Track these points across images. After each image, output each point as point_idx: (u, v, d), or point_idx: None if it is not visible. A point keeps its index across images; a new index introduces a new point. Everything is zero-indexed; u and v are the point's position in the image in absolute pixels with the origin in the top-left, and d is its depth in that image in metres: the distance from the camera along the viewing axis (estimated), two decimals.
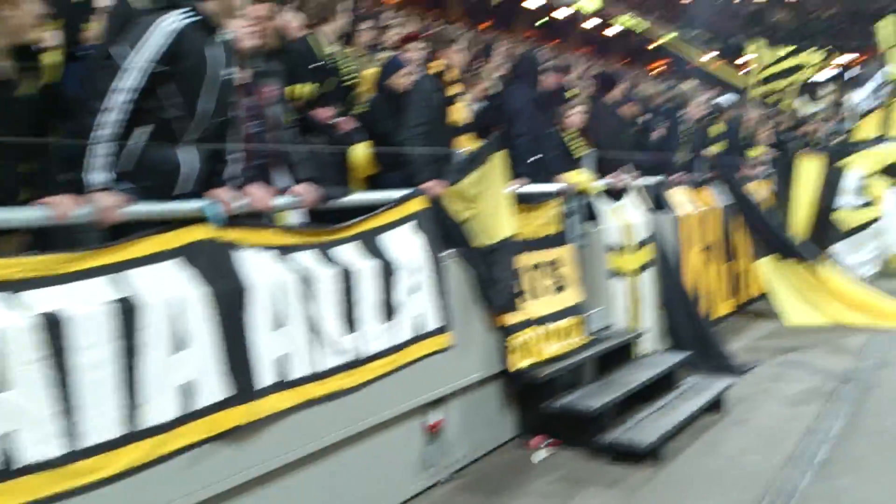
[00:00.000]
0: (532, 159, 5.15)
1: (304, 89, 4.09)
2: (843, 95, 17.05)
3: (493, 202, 4.33)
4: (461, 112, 4.46)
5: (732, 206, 7.92)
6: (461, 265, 4.14)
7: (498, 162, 4.37)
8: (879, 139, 10.11)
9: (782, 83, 17.42)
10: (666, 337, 6.22)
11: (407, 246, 3.73)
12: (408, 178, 4.15)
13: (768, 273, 7.91)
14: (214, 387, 2.72)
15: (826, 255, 8.36)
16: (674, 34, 47.90)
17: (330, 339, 3.18)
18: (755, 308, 8.55)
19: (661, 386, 5.15)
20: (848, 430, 4.65)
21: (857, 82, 17.32)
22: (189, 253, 2.71)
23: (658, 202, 7.04)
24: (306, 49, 4.31)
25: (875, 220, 10.05)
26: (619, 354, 5.41)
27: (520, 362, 4.49)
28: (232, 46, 3.02)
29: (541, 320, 4.82)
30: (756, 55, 15.69)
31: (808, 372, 5.98)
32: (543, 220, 5.08)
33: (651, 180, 6.88)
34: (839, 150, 10.30)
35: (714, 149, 8.46)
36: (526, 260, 4.84)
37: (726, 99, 9.90)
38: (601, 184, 5.96)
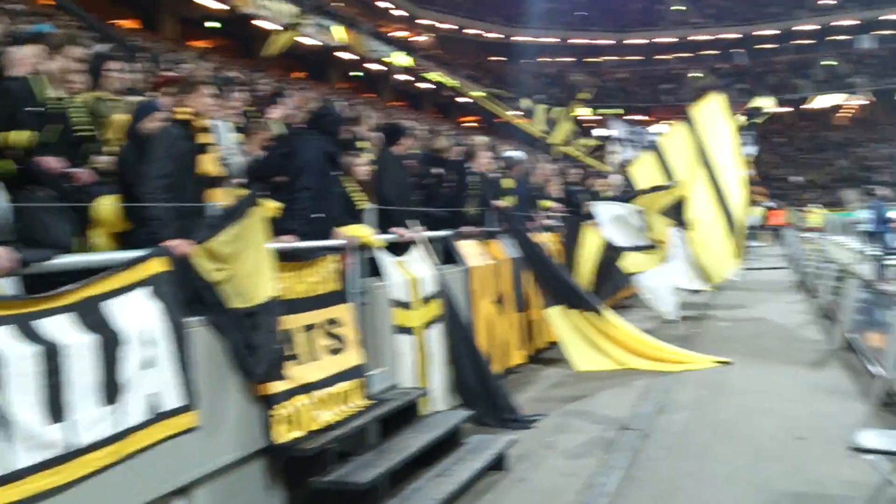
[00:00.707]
0: (315, 216, 4.86)
1: (22, 136, 3.54)
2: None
3: (251, 261, 3.97)
4: (214, 162, 4.08)
5: (522, 258, 8.06)
6: (213, 332, 3.73)
7: (257, 217, 4.02)
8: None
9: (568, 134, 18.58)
10: (455, 393, 6.09)
11: (140, 314, 3.27)
12: (152, 236, 3.70)
13: (557, 321, 8.08)
14: None
15: (607, 303, 8.72)
16: (482, 92, 50.29)
17: (26, 431, 2.65)
18: (548, 355, 8.73)
19: (445, 447, 4.97)
20: (625, 483, 4.67)
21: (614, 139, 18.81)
22: None
23: (448, 255, 7.00)
24: (23, 91, 3.76)
25: (661, 261, 10.70)
26: (405, 416, 5.17)
27: (287, 435, 4.11)
28: None
29: (313, 386, 4.48)
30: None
31: (590, 421, 6.06)
32: (318, 278, 4.78)
33: (440, 233, 6.82)
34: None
35: (505, 201, 8.60)
36: (297, 321, 4.51)
37: (517, 153, 10.21)
38: (385, 238, 5.77)
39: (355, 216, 5.63)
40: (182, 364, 3.41)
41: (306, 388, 4.43)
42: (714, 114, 11.43)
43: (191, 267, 3.68)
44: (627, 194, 12.09)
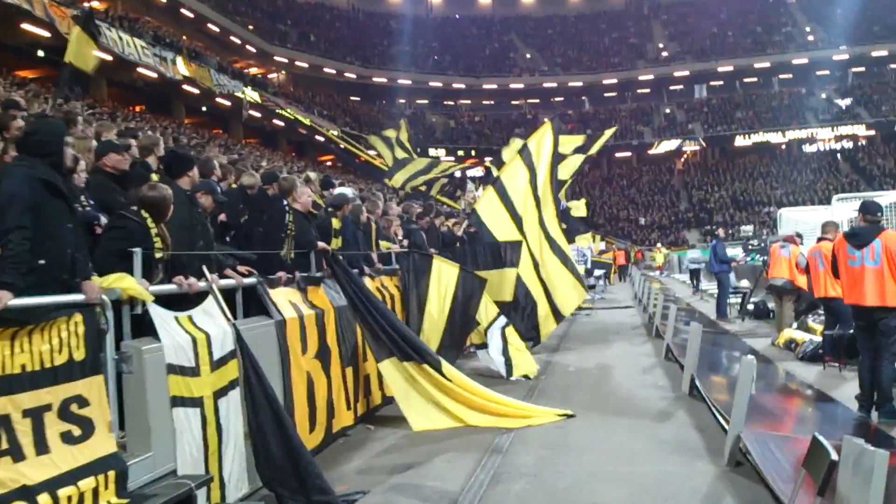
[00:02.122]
0: (39, 262, 3.75)
1: None
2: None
3: None
4: None
5: (350, 306, 7.22)
6: None
7: None
8: None
9: (420, 179, 18.13)
10: (257, 474, 5.08)
11: None
12: None
13: (391, 376, 7.30)
14: None
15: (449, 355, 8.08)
16: (337, 131, 49.56)
17: None
18: (386, 412, 7.90)
19: None
20: None
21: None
22: None
23: (256, 305, 6.03)
24: None
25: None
26: None
27: None
28: None
29: (39, 488, 3.40)
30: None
31: (418, 497, 5.23)
32: (52, 345, 3.69)
33: (244, 281, 5.83)
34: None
35: (334, 244, 7.75)
36: (15, 404, 3.42)
37: (347, 190, 9.38)
38: (161, 289, 4.74)
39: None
40: None
41: (27, 493, 3.36)
42: (545, 143, 11.27)
43: None
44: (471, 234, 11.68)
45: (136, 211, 4.75)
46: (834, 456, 2.86)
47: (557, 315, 11.77)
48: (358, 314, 7.21)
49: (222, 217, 7.13)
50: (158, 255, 4.73)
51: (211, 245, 5.44)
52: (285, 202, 6.71)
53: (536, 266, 11.48)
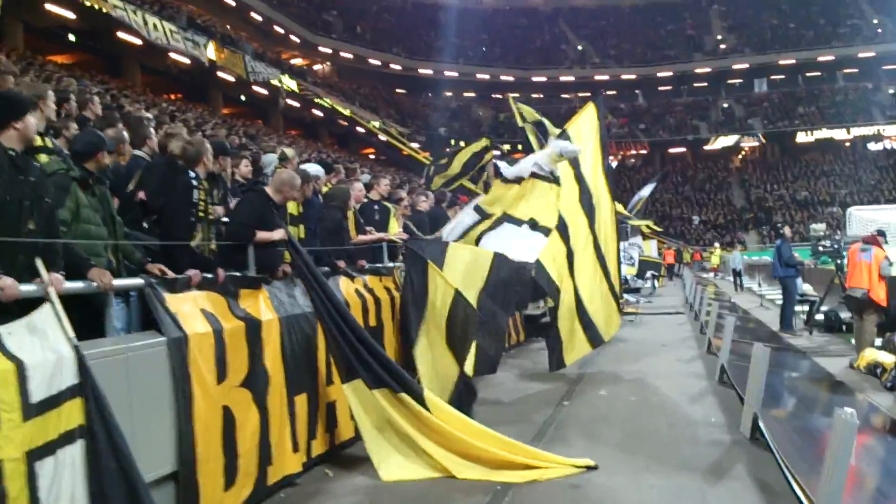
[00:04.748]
0: None
1: None
2: None
3: None
4: None
5: (317, 311, 5.58)
6: None
7: None
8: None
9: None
10: None
11: None
12: None
13: (357, 405, 5.66)
14: None
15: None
16: (378, 122, 48.11)
17: None
18: (355, 451, 6.19)
19: None
20: None
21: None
22: None
23: (146, 317, 4.38)
24: None
25: None
26: None
27: None
28: None
29: None
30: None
31: None
32: None
33: (115, 283, 4.14)
34: None
35: (293, 234, 6.07)
36: None
37: (314, 167, 7.60)
38: None
39: None
40: None
41: None
42: (587, 126, 9.47)
43: None
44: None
45: None
46: None
47: (595, 338, 9.58)
48: (324, 323, 5.57)
49: (142, 195, 5.51)
50: None
51: (54, 230, 3.75)
52: (192, 173, 4.98)
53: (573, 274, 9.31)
